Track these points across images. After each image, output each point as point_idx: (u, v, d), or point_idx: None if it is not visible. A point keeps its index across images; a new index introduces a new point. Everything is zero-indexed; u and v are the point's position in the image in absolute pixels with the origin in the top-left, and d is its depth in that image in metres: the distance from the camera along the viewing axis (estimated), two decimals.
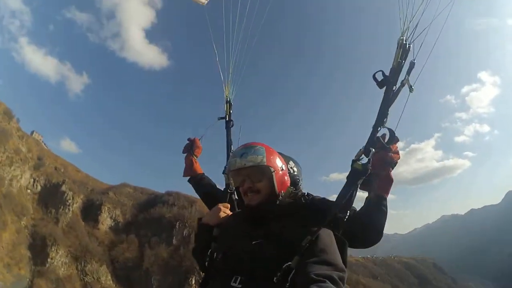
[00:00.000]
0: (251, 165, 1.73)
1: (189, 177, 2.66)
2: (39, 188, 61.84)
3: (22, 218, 54.13)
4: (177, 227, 63.41)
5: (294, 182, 2.01)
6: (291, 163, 2.16)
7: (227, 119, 2.75)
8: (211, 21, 2.86)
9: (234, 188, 2.14)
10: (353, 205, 1.84)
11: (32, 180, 61.35)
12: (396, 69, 1.84)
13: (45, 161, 66.74)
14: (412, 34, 1.86)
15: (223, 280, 1.57)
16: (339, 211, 1.72)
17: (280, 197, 1.78)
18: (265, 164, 1.74)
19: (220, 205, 2.02)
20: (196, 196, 2.71)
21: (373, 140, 1.81)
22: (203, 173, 2.65)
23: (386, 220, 1.85)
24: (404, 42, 1.86)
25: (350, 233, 1.73)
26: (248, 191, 1.76)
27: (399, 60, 1.84)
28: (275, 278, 1.44)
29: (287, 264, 1.46)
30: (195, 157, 2.69)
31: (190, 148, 2.72)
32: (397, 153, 1.87)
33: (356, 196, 1.82)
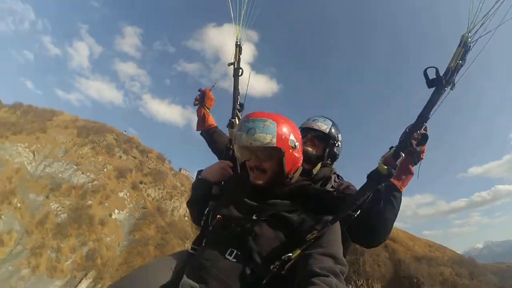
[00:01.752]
0: (258, 145, 1.51)
1: (201, 131, 2.50)
2: None
3: (185, 241, 63.87)
4: None
5: (334, 158, 2.21)
6: (340, 137, 2.26)
7: (235, 65, 2.35)
8: None
9: (240, 161, 1.80)
10: None
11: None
12: (453, 70, 1.55)
13: None
14: (476, 32, 1.54)
15: (218, 249, 1.43)
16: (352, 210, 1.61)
17: (290, 177, 1.64)
18: (275, 145, 1.51)
19: (222, 162, 1.93)
20: None
21: (407, 143, 1.58)
22: (216, 126, 2.48)
23: (395, 217, 1.73)
24: (468, 40, 1.58)
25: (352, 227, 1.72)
26: (254, 169, 1.59)
27: (458, 60, 1.55)
28: (272, 266, 1.35)
29: (287, 255, 1.36)
30: (207, 110, 2.47)
31: (202, 100, 2.46)
32: (423, 152, 1.72)
33: None
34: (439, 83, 1.53)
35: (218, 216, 1.56)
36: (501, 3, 1.51)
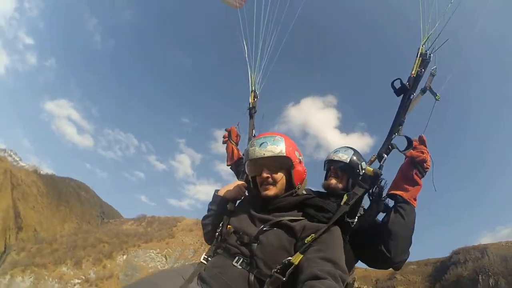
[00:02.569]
0: (270, 155, 1.72)
1: (230, 165, 2.76)
2: None
3: None
4: (480, 280, 52.99)
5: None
6: (364, 165, 2.27)
7: (250, 106, 2.75)
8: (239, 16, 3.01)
9: (250, 176, 1.99)
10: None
11: None
12: (415, 78, 1.82)
13: None
14: (433, 43, 1.86)
15: (227, 257, 1.63)
16: (348, 215, 1.72)
17: (297, 189, 1.81)
18: (284, 155, 1.74)
19: (238, 182, 2.11)
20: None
21: (387, 146, 1.80)
22: (242, 158, 2.69)
23: (407, 230, 1.78)
24: (424, 51, 1.87)
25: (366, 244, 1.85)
26: (265, 182, 1.76)
27: (418, 69, 1.83)
28: (273, 270, 1.47)
29: (287, 258, 1.48)
30: (234, 144, 2.75)
31: (229, 137, 2.78)
32: (426, 160, 1.80)
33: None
34: (404, 90, 1.79)
35: (228, 226, 1.76)
36: (447, 21, 1.85)
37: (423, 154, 1.79)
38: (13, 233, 64.91)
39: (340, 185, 2.25)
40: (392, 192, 1.85)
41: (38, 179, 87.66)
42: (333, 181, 2.26)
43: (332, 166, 2.31)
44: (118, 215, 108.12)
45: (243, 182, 2.08)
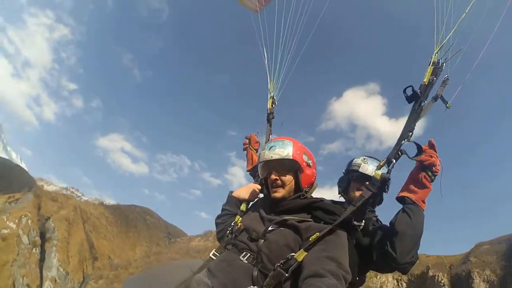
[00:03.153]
0: (277, 158, 1.83)
1: (249, 171, 2.73)
2: None
3: None
4: None
5: (380, 202, 2.35)
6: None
7: (268, 112, 2.79)
8: (258, 22, 3.01)
9: (261, 179, 2.11)
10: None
11: None
12: (426, 86, 1.87)
13: None
14: (446, 52, 1.90)
15: (235, 252, 1.72)
16: (355, 218, 1.81)
17: (305, 192, 1.88)
18: (291, 157, 1.83)
19: (252, 184, 2.24)
20: None
21: (396, 152, 1.85)
22: None
23: (414, 231, 1.80)
24: (436, 60, 1.90)
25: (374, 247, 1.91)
26: (274, 183, 1.87)
27: (430, 77, 1.88)
28: (276, 264, 1.53)
29: (291, 254, 1.54)
30: (254, 151, 2.72)
31: (249, 144, 2.77)
32: (435, 164, 1.84)
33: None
34: (416, 97, 1.84)
35: (239, 224, 1.87)
36: (460, 31, 1.88)
37: (432, 158, 1.82)
38: (90, 263, 72.25)
39: None
40: (401, 194, 1.90)
41: (105, 210, 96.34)
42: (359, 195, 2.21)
43: (367, 182, 2.20)
44: (183, 233, 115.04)
45: (257, 185, 2.18)
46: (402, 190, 1.93)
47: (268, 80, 2.82)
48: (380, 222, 2.18)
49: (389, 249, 1.79)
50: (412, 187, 1.86)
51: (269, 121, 2.78)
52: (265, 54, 2.85)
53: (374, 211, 2.30)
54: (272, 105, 2.81)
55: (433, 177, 1.84)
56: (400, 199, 1.92)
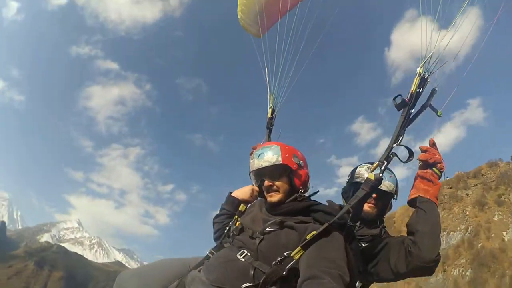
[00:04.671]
0: (268, 165, 1.84)
1: None
2: None
3: None
4: None
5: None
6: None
7: (267, 120, 2.91)
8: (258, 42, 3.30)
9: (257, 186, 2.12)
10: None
11: None
12: (414, 96, 1.93)
13: None
14: (429, 66, 1.98)
15: (233, 249, 1.75)
16: (351, 219, 1.78)
17: (301, 192, 1.90)
18: (281, 163, 1.84)
19: (252, 186, 2.20)
20: None
21: (388, 155, 1.88)
22: None
23: (432, 226, 1.78)
24: (422, 72, 1.96)
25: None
26: (269, 189, 1.87)
27: (416, 89, 1.94)
28: (273, 262, 1.54)
29: (288, 251, 1.56)
30: None
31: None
32: (440, 161, 1.89)
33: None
34: (404, 105, 1.91)
35: (237, 223, 1.91)
36: (445, 46, 1.96)
37: (436, 155, 1.89)
38: None
39: (371, 215, 2.20)
40: (413, 196, 1.90)
41: None
42: (368, 209, 2.18)
43: (375, 194, 2.16)
44: None
45: (256, 187, 2.13)
46: (412, 193, 1.93)
47: (268, 92, 3.00)
48: (387, 233, 2.16)
49: (412, 249, 1.75)
50: (421, 186, 1.88)
51: (268, 128, 2.90)
52: (266, 69, 3.01)
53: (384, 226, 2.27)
54: (272, 115, 2.94)
55: (440, 174, 1.88)
56: (412, 201, 1.92)
